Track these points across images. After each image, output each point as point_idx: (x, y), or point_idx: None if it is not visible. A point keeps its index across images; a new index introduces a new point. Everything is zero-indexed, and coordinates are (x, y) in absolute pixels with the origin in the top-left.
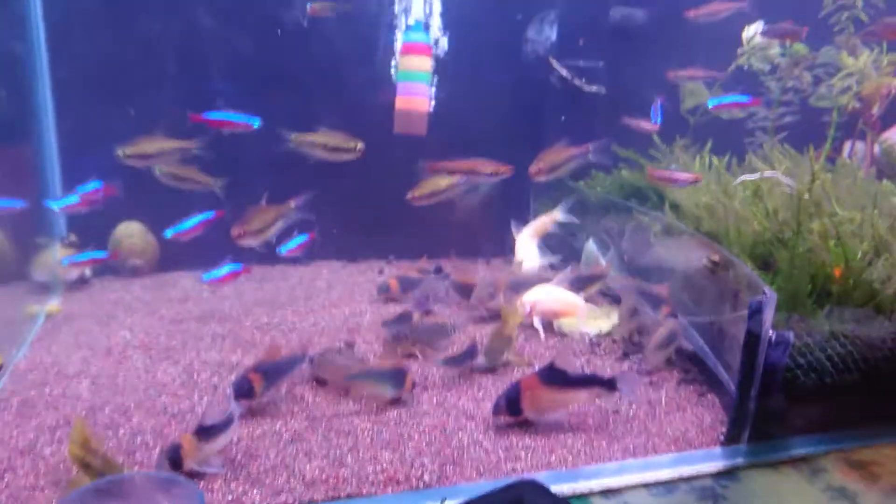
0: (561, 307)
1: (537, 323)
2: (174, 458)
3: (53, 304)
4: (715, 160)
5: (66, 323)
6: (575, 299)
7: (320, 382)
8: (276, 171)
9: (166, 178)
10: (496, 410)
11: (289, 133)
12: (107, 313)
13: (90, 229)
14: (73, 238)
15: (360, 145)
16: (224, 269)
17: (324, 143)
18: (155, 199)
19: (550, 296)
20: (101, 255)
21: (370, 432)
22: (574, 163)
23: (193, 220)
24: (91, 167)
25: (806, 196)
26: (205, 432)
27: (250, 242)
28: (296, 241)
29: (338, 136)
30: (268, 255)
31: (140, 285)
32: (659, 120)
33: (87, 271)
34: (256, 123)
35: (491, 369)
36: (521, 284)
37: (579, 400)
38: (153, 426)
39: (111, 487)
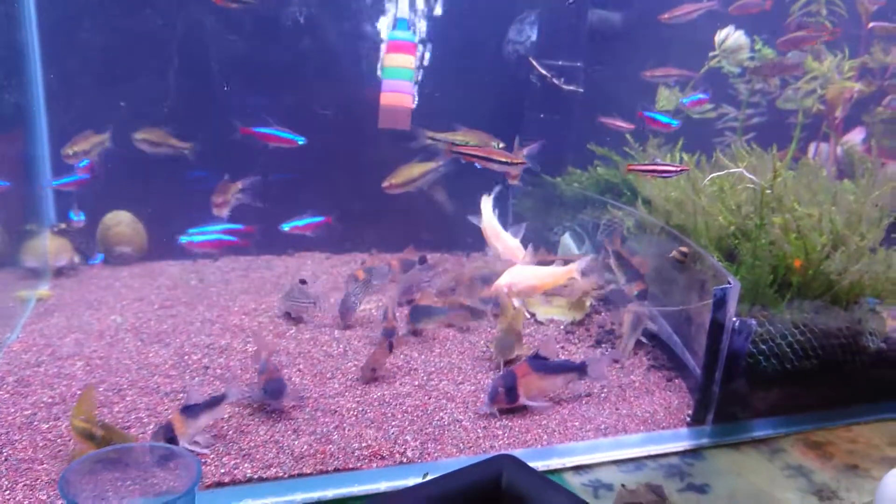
0: (540, 282)
1: (517, 304)
2: (170, 438)
3: (44, 289)
4: (686, 156)
5: (57, 308)
6: (552, 269)
7: (292, 318)
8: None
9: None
10: (494, 398)
11: (424, 131)
12: (97, 299)
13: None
14: (62, 226)
15: (501, 144)
16: (208, 236)
17: (464, 142)
18: (143, 188)
19: (526, 273)
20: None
21: (355, 412)
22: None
23: (211, 235)
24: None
25: (768, 191)
26: (190, 411)
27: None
28: (305, 221)
29: (479, 135)
30: (253, 244)
31: (129, 273)
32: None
33: (76, 258)
34: (301, 141)
35: (497, 365)
36: (489, 276)
37: (557, 386)
38: (147, 404)
39: (110, 458)
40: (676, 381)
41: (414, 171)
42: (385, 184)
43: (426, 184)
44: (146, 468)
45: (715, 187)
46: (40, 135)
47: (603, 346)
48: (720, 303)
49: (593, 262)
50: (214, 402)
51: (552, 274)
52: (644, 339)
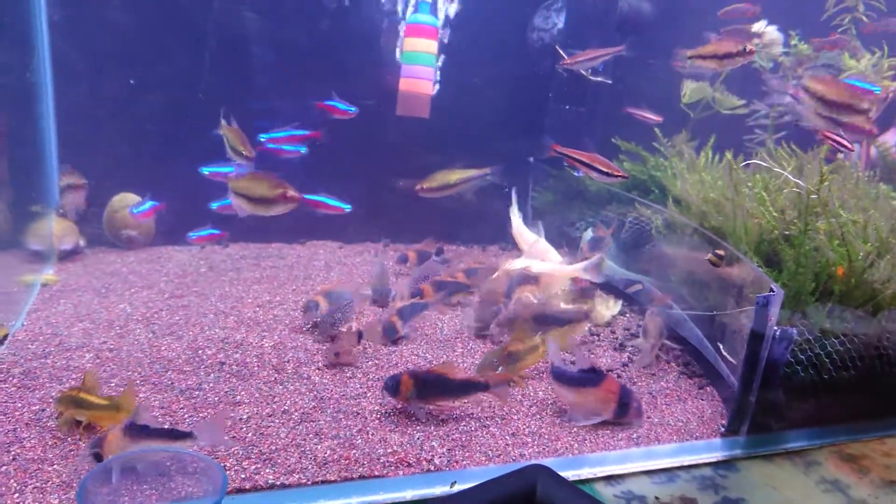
0: (538, 272)
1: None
2: (97, 453)
3: (49, 273)
4: (728, 155)
5: (62, 294)
6: (554, 265)
7: None
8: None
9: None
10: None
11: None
12: (104, 285)
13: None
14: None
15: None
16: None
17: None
18: (151, 171)
19: (527, 264)
20: None
21: (378, 414)
22: None
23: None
24: (87, 137)
25: (814, 196)
26: (135, 430)
27: None
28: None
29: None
30: (264, 233)
31: (136, 258)
32: None
33: (82, 241)
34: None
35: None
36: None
37: None
38: (161, 402)
39: (127, 464)
40: (708, 388)
41: (451, 177)
42: (418, 187)
43: (465, 191)
44: (163, 473)
45: (758, 190)
46: (47, 117)
47: (627, 348)
48: (762, 310)
49: (599, 263)
50: (173, 435)
51: (552, 269)
52: (670, 343)
